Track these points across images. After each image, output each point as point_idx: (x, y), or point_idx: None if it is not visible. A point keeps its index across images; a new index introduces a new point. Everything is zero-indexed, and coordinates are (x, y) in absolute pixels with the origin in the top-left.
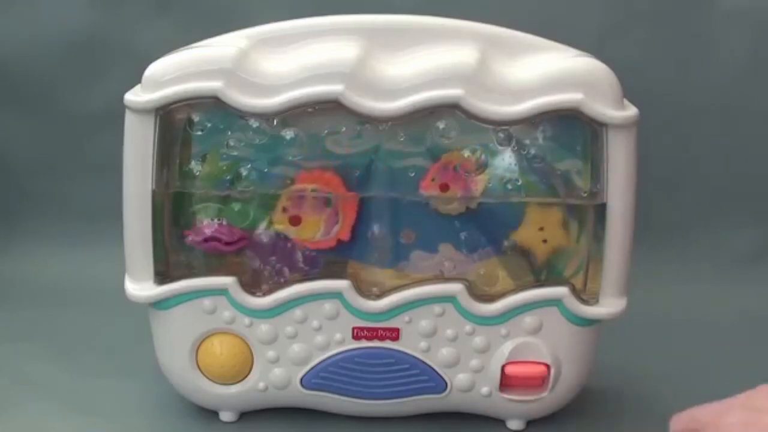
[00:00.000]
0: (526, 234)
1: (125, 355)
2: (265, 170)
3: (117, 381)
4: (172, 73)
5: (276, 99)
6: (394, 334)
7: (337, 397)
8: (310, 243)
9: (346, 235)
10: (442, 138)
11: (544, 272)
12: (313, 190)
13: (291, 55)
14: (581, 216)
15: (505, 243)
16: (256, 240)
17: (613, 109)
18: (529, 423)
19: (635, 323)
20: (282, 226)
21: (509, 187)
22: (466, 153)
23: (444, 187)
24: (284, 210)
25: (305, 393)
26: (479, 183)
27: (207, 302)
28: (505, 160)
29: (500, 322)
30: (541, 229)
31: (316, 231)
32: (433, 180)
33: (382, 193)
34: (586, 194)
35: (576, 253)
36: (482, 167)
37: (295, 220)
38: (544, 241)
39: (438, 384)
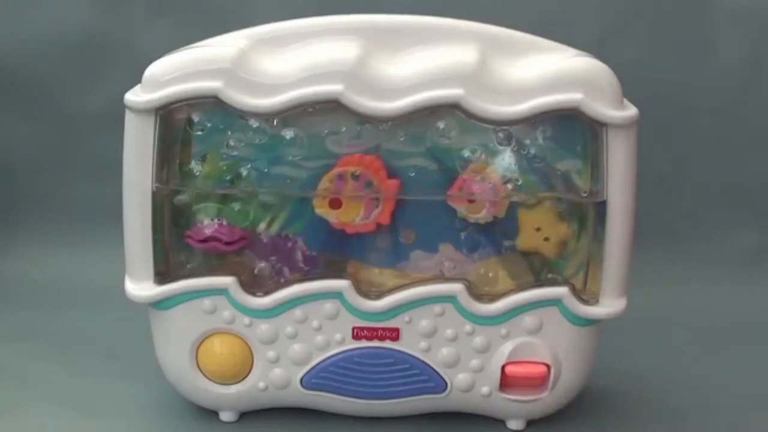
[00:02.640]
0: (527, 239)
1: (125, 355)
2: (265, 170)
3: (117, 381)
4: (172, 73)
5: (276, 99)
6: (394, 334)
7: (337, 397)
8: (350, 227)
9: (386, 219)
10: (442, 138)
11: (544, 272)
12: (353, 174)
13: (291, 55)
14: (581, 216)
15: (505, 243)
16: (256, 240)
17: (613, 109)
18: (529, 423)
19: (635, 323)
20: (322, 210)
21: (509, 186)
22: (491, 170)
23: (472, 199)
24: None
25: (305, 393)
26: (504, 193)
27: (207, 302)
28: (505, 160)
29: (500, 322)
30: (538, 229)
31: (356, 214)
32: (460, 190)
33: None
34: (586, 194)
35: (576, 253)
36: (482, 167)
37: (335, 204)
38: (546, 239)
39: (438, 384)
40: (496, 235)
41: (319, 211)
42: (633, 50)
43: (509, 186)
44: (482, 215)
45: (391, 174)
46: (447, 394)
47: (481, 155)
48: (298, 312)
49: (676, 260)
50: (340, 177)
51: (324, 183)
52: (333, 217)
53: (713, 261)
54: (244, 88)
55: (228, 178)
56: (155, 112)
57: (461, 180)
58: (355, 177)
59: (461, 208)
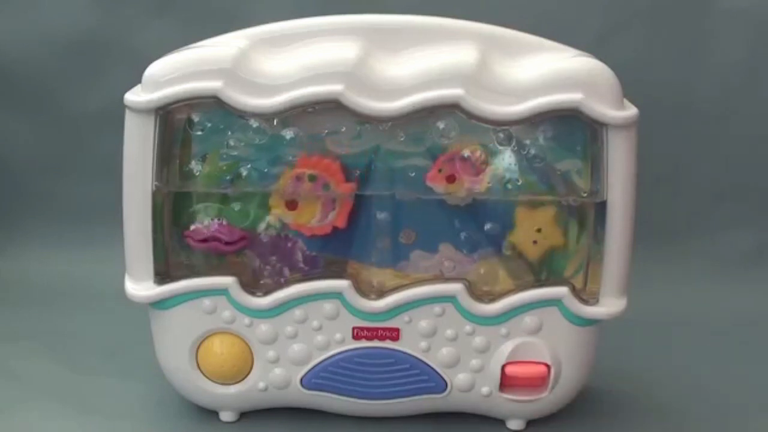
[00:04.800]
0: (521, 236)
1: (125, 355)
2: (265, 170)
3: (117, 381)
4: (172, 73)
5: (276, 99)
6: (394, 334)
7: (337, 397)
8: (306, 228)
9: (341, 223)
10: (442, 138)
11: (544, 272)
12: (310, 176)
13: (291, 55)
14: (581, 216)
15: (505, 243)
16: (256, 240)
17: (613, 109)
18: (529, 423)
19: (635, 323)
20: (279, 210)
21: (509, 186)
22: (474, 148)
23: (451, 179)
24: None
25: (305, 393)
26: (486, 173)
27: (207, 302)
28: (505, 160)
29: (500, 322)
30: (539, 230)
31: (311, 216)
32: (440, 171)
33: (383, 191)
34: (586, 194)
35: (576, 253)
36: (486, 164)
37: (291, 205)
38: (534, 242)
39: (438, 384)
40: (494, 231)
41: (275, 211)
42: (633, 50)
43: (486, 162)
44: (462, 194)
45: (349, 178)
46: (447, 394)
47: (481, 155)
48: (298, 312)
49: (676, 260)
50: (298, 178)
51: (281, 184)
52: (289, 218)
53: (713, 261)
54: (244, 88)
55: (228, 178)
56: (155, 112)
57: (441, 160)
58: (312, 179)
59: (440, 189)
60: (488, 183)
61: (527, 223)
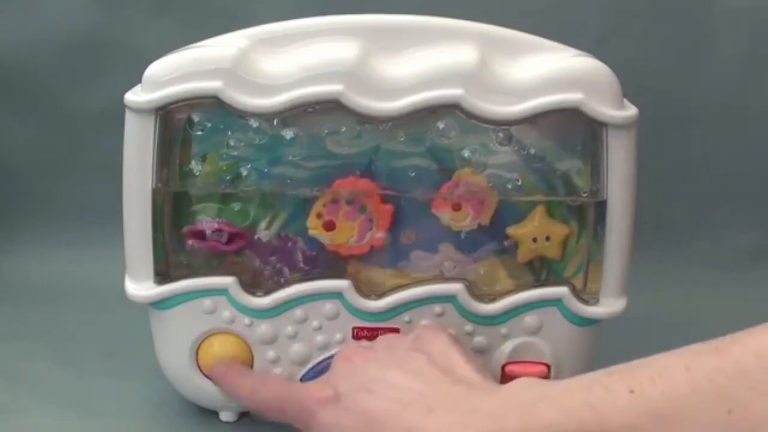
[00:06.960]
0: (525, 231)
1: (125, 355)
2: (265, 170)
3: (117, 381)
4: (172, 73)
5: (276, 99)
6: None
7: None
8: (344, 248)
9: (379, 242)
10: (442, 138)
11: (544, 272)
12: (347, 200)
13: (291, 55)
14: (581, 216)
15: (505, 243)
16: (256, 240)
17: (613, 109)
18: None
19: (635, 323)
20: (316, 231)
21: (509, 186)
22: (477, 172)
23: (456, 206)
24: (319, 216)
25: None
26: (491, 204)
27: (207, 302)
28: (505, 160)
29: (500, 322)
30: (548, 238)
31: (349, 237)
32: (445, 199)
33: (383, 191)
34: (586, 194)
35: (576, 253)
36: (482, 167)
37: (329, 226)
38: (534, 239)
39: None
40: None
41: (312, 232)
42: (633, 50)
43: (495, 196)
44: (466, 223)
45: (386, 197)
46: None
47: (480, 156)
48: (298, 312)
49: (676, 260)
50: (334, 202)
51: (318, 208)
52: (327, 239)
53: (713, 261)
54: (244, 88)
55: (228, 178)
56: (155, 112)
57: (446, 187)
58: (349, 201)
59: (445, 216)
60: (493, 208)
61: (541, 226)
